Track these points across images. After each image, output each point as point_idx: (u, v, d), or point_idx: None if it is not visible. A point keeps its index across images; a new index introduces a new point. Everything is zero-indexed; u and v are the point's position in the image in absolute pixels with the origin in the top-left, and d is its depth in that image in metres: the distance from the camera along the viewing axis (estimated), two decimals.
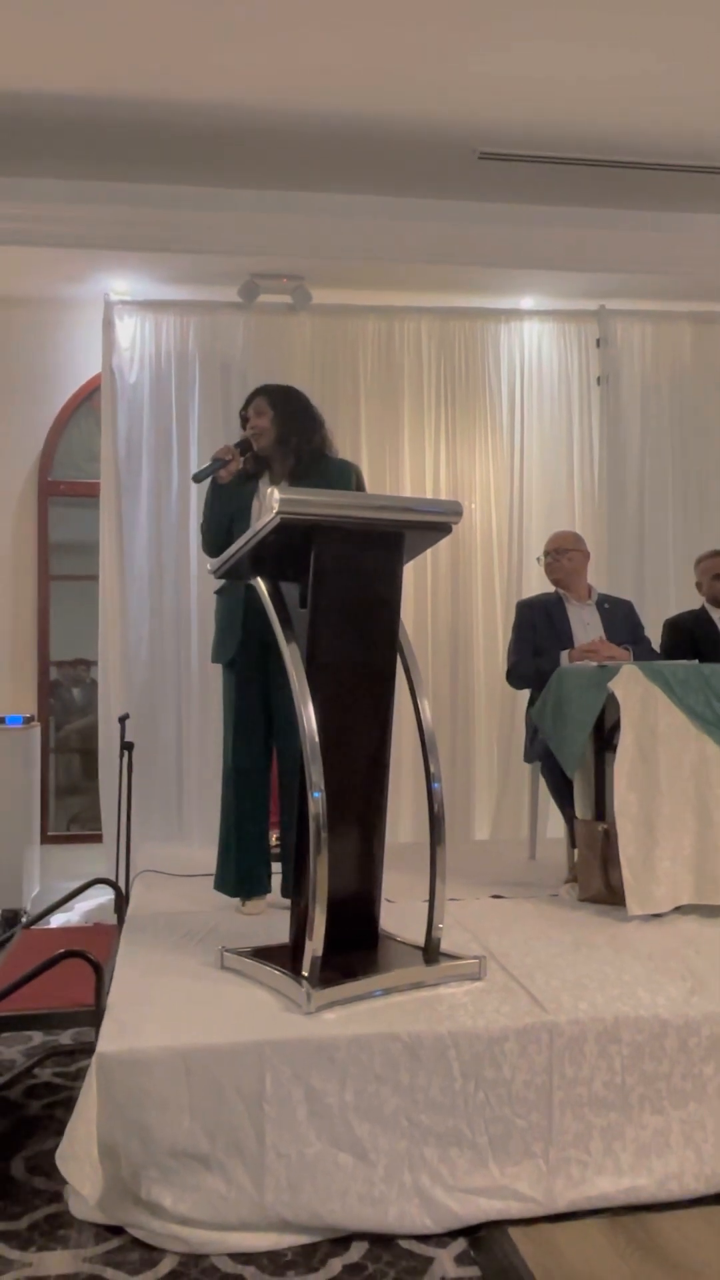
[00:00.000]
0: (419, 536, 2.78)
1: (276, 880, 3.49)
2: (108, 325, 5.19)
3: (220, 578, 2.88)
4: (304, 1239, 2.16)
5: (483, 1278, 2.06)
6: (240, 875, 3.46)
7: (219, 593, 3.53)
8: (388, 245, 4.95)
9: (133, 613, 5.15)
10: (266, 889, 3.48)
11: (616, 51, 3.86)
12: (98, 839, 5.09)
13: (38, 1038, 3.16)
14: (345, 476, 3.51)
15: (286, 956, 2.61)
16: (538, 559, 4.55)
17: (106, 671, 5.10)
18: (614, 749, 3.37)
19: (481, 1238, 2.19)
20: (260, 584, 2.65)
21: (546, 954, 2.82)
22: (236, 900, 3.46)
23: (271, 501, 2.47)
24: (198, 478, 3.49)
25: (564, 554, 4.41)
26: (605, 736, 3.53)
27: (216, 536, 3.45)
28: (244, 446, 3.48)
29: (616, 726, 3.37)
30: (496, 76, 4.01)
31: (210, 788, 5.07)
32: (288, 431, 3.47)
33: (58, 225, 4.70)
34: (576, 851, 3.64)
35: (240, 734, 3.49)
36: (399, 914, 2.98)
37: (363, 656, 2.66)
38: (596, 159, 4.59)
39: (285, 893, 3.29)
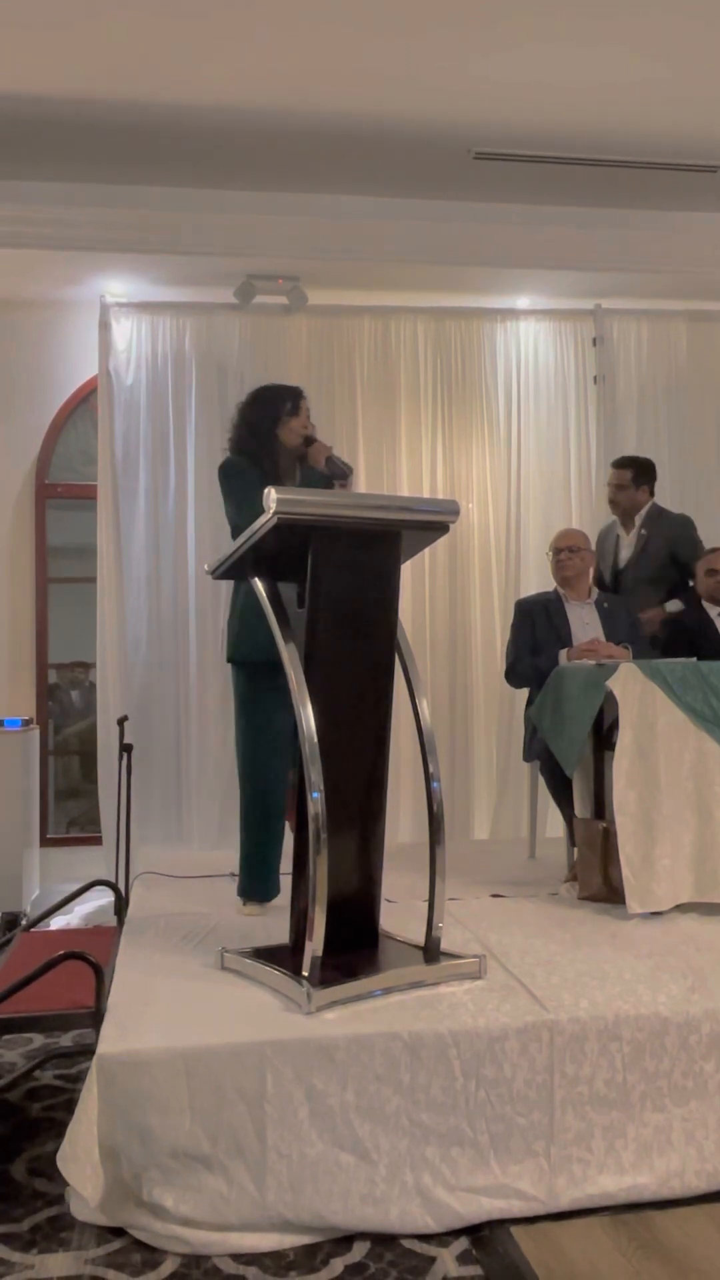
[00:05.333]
0: (416, 536, 2.78)
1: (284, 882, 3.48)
2: (104, 327, 5.18)
3: (218, 578, 2.87)
4: (306, 1239, 2.16)
5: (485, 1277, 2.06)
6: (271, 882, 3.44)
7: None
8: (383, 245, 4.96)
9: (131, 615, 5.15)
10: (279, 890, 3.48)
11: (611, 52, 3.87)
12: (97, 841, 5.09)
13: (38, 1040, 3.16)
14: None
15: (286, 957, 2.61)
16: (547, 553, 4.54)
17: (105, 674, 5.09)
18: (613, 747, 3.37)
19: (484, 1237, 2.19)
20: (258, 584, 2.66)
21: (546, 952, 2.82)
22: (237, 900, 3.46)
23: (268, 502, 2.47)
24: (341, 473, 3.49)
25: (576, 552, 4.39)
26: (604, 735, 3.54)
27: None
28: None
29: (615, 725, 3.38)
30: (491, 77, 4.02)
31: (210, 788, 5.09)
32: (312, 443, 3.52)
33: (53, 227, 4.70)
34: (576, 850, 3.64)
35: (281, 740, 3.37)
36: (399, 913, 2.98)
37: (361, 656, 2.66)
38: (591, 158, 4.60)
39: None
